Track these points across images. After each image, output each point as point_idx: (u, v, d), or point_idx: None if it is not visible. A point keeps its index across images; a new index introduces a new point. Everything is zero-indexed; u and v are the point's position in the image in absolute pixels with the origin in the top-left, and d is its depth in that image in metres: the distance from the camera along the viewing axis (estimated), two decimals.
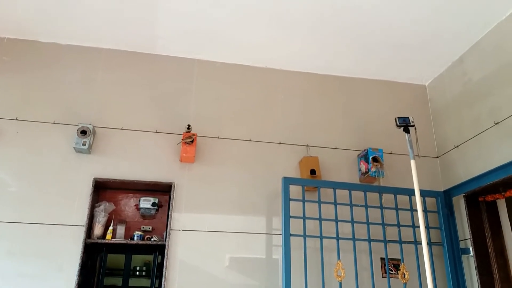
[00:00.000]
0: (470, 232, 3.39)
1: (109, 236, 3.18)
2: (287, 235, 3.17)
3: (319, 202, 3.36)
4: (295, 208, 3.30)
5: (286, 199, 3.29)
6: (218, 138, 3.69)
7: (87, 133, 3.33)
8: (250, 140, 3.74)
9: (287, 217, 3.23)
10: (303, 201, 3.34)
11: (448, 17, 3.33)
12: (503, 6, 3.20)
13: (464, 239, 3.49)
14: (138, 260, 3.33)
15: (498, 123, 3.25)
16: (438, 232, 3.59)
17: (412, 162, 2.81)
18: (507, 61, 3.23)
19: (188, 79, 3.85)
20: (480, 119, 3.45)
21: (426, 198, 3.62)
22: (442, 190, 3.76)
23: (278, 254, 3.39)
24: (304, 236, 3.23)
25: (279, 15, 3.36)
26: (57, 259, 3.08)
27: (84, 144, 3.30)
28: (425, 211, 3.54)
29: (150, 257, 3.30)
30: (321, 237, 3.26)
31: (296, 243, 3.24)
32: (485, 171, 3.29)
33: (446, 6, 3.20)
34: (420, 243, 3.05)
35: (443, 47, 3.70)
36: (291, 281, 3.05)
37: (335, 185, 3.46)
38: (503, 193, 3.28)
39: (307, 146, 3.80)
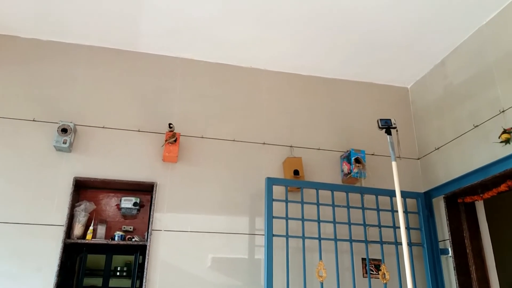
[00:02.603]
0: (449, 233, 3.45)
1: (89, 236, 3.14)
2: (269, 236, 3.18)
3: (302, 202, 3.38)
4: (278, 208, 3.31)
5: (270, 199, 3.29)
6: (202, 137, 3.67)
7: (68, 131, 3.28)
8: (234, 140, 3.73)
9: (270, 217, 3.24)
10: (286, 201, 3.35)
11: (431, 21, 3.38)
12: (484, 11, 3.26)
13: (443, 240, 3.55)
14: (119, 260, 3.29)
15: (477, 126, 3.32)
16: (418, 233, 3.64)
17: (394, 164, 2.84)
18: (486, 65, 3.30)
19: (172, 77, 3.82)
20: (460, 122, 3.51)
21: (406, 199, 3.67)
22: (423, 191, 3.81)
23: (260, 255, 3.39)
24: (287, 236, 3.24)
25: (264, 15, 3.36)
26: (36, 259, 3.02)
27: (64, 143, 3.24)
28: (405, 212, 3.59)
29: (130, 258, 3.27)
30: (303, 237, 3.28)
31: (278, 243, 3.24)
32: (464, 173, 3.35)
33: (429, 10, 3.25)
34: (401, 243, 3.09)
35: (425, 50, 3.75)
36: (273, 281, 3.06)
37: (318, 186, 3.48)
38: (481, 195, 3.34)
39: (291, 146, 3.82)
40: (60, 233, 3.09)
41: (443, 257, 3.52)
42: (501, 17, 3.21)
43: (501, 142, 3.02)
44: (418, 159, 4.04)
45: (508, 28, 3.13)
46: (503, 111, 3.08)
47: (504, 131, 3.00)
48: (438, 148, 3.75)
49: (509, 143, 2.98)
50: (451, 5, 3.20)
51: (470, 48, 3.51)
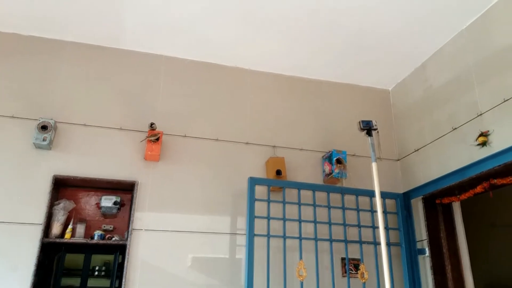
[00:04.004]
0: (427, 233, 3.52)
1: (68, 235, 3.10)
2: (251, 235, 3.19)
3: (284, 202, 3.40)
4: (260, 208, 3.33)
5: (252, 199, 3.31)
6: (185, 136, 3.66)
7: (48, 128, 3.23)
8: (217, 140, 3.73)
9: (252, 217, 3.25)
10: (268, 201, 3.37)
11: (412, 25, 3.43)
12: (464, 16, 3.32)
13: (421, 240, 3.62)
14: (97, 260, 3.25)
15: (455, 128, 3.39)
16: (396, 233, 3.71)
17: (374, 165, 2.88)
18: (465, 69, 3.37)
19: (155, 75, 3.80)
20: (439, 125, 3.58)
21: (386, 199, 3.72)
22: (402, 192, 3.88)
23: (241, 254, 3.40)
24: (268, 236, 3.27)
25: (249, 15, 3.36)
26: (12, 258, 2.97)
27: (44, 140, 3.20)
28: (385, 212, 3.65)
29: (110, 257, 3.24)
30: (284, 237, 3.30)
31: (259, 242, 3.26)
32: (442, 174, 3.42)
33: (410, 14, 3.30)
34: (379, 243, 3.14)
35: (406, 54, 3.81)
36: (254, 280, 3.07)
37: (300, 186, 3.51)
38: (458, 196, 3.42)
39: (273, 146, 3.83)
40: (38, 232, 3.04)
41: (420, 257, 3.59)
42: (480, 22, 3.28)
43: (478, 144, 3.10)
44: (398, 160, 4.10)
45: (487, 33, 3.21)
46: (480, 115, 3.15)
47: (481, 134, 3.08)
48: (417, 150, 3.82)
49: (486, 146, 3.05)
50: (432, 10, 3.26)
51: (450, 52, 3.58)
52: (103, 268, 3.23)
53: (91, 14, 3.38)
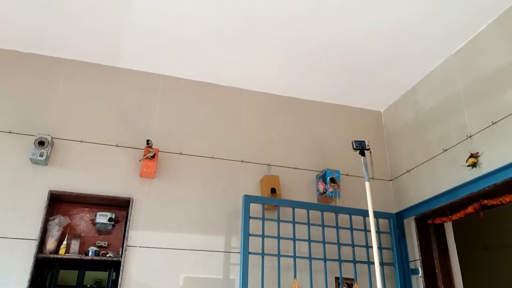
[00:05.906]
0: (420, 253, 3.55)
1: (62, 251, 3.07)
2: (245, 253, 3.20)
3: (278, 220, 3.42)
4: (254, 226, 3.34)
5: (247, 217, 3.32)
6: (180, 154, 3.69)
7: (45, 144, 3.25)
8: (212, 157, 3.76)
9: (246, 235, 3.26)
10: (263, 219, 3.39)
11: (403, 49, 3.53)
12: (453, 42, 3.44)
13: (414, 260, 3.65)
14: (88, 277, 3.20)
15: (446, 150, 3.47)
16: (390, 252, 3.73)
17: (367, 184, 2.93)
18: (455, 92, 3.47)
19: (152, 94, 3.85)
20: (431, 146, 3.66)
21: (379, 219, 3.76)
22: (395, 212, 3.92)
23: (235, 275, 3.38)
24: (262, 254, 3.27)
25: (245, 37, 3.45)
26: (6, 274, 2.93)
27: (41, 155, 3.21)
28: (378, 232, 3.67)
29: (102, 275, 3.19)
30: (278, 255, 3.31)
31: (253, 261, 3.26)
32: (434, 195, 3.48)
33: (401, 39, 3.40)
34: (373, 263, 3.16)
35: (398, 77, 3.91)
36: None
37: (294, 204, 3.54)
38: (450, 216, 3.47)
39: (268, 165, 3.88)
40: (32, 247, 3.02)
41: (413, 277, 3.61)
42: (468, 48, 3.40)
43: (468, 166, 3.17)
44: (390, 180, 4.16)
45: (474, 58, 3.33)
46: (470, 136, 3.24)
47: (471, 156, 3.15)
48: (409, 171, 3.89)
49: (476, 167, 3.12)
50: (422, 35, 3.38)
51: (439, 76, 3.69)
52: (94, 285, 3.19)
53: (90, 32, 3.44)
